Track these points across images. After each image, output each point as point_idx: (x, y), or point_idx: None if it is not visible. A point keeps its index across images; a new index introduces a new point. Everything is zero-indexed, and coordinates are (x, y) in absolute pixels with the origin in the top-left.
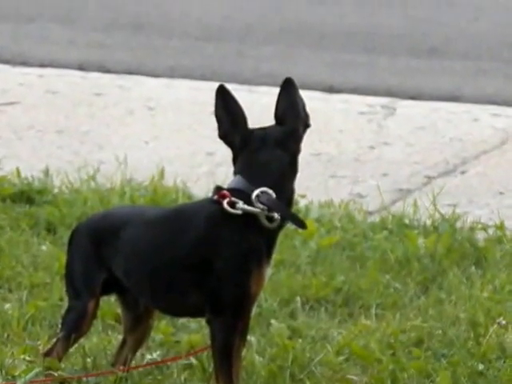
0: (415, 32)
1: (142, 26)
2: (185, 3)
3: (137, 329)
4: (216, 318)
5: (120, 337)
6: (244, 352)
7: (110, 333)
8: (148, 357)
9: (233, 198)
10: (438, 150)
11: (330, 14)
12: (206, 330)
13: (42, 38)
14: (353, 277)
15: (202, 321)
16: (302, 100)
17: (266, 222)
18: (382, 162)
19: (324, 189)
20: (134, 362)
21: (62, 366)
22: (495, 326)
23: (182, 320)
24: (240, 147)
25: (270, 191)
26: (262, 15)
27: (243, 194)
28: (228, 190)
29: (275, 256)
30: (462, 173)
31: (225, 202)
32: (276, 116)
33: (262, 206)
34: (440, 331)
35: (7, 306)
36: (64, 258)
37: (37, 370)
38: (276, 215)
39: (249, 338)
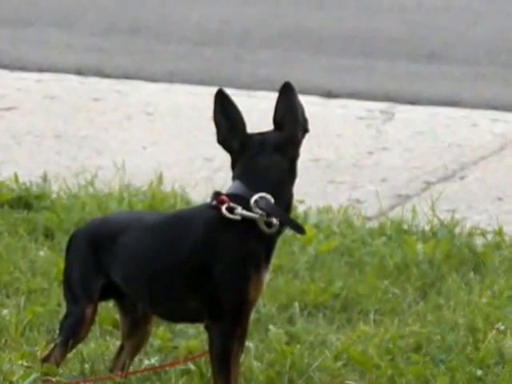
0: (414, 37)
1: (140, 31)
2: (183, 8)
3: (135, 334)
4: (214, 323)
5: (118, 342)
6: (242, 357)
7: (107, 338)
8: (146, 362)
9: (231, 204)
10: (436, 155)
11: (328, 18)
12: (204, 336)
13: (40, 43)
14: (351, 282)
15: (200, 326)
16: (300, 105)
17: (264, 228)
18: (381, 168)
19: (322, 194)
20: (131, 367)
21: (60, 371)
22: (494, 331)
23: (180, 326)
24: (239, 152)
25: (269, 196)
26: (260, 20)
27: (242, 200)
28: (226, 195)
29: (273, 261)
30: (461, 178)
31: (223, 208)
32: (275, 121)
33: (260, 212)
34: (438, 337)
35: (5, 311)
36: (62, 264)
37: (35, 375)
38: (275, 221)
39: (247, 343)
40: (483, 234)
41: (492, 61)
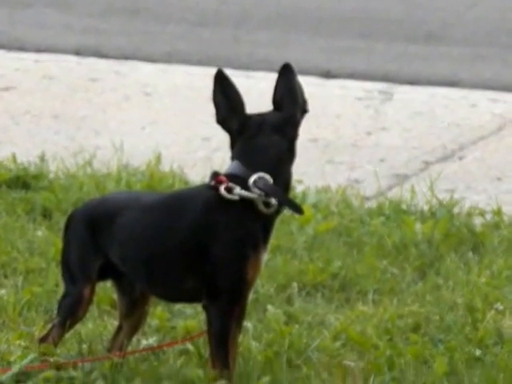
0: (412, 17)
1: (138, 11)
2: None
3: (133, 314)
4: (212, 303)
5: (116, 322)
6: (240, 338)
7: (105, 318)
8: (144, 342)
9: (230, 184)
10: (435, 135)
11: None
12: (203, 316)
13: (38, 23)
14: (350, 262)
15: (198, 306)
16: (300, 86)
17: (262, 208)
18: (380, 148)
19: (321, 174)
20: (129, 347)
21: (58, 351)
22: (492, 311)
23: (178, 306)
24: (238, 132)
25: (267, 176)
26: (258, 0)
27: (240, 180)
28: (225, 175)
29: (272, 241)
30: (460, 158)
31: (222, 188)
32: (274, 102)
33: (259, 192)
34: (437, 317)
35: (2, 291)
36: (60, 244)
37: (32, 355)
38: (273, 200)
39: (245, 323)
40: (482, 213)
41: (491, 41)
